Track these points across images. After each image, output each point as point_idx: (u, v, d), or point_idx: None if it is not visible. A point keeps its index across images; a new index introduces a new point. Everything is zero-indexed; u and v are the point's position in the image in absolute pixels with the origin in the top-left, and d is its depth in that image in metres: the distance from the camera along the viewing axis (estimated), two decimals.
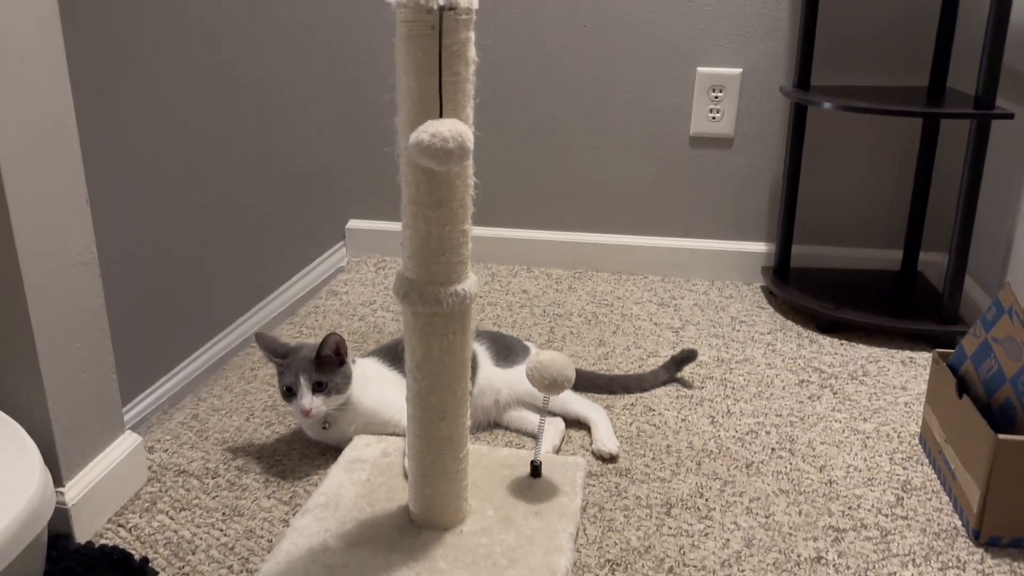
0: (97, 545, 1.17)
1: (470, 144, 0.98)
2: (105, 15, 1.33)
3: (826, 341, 1.91)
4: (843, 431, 1.54)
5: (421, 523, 1.19)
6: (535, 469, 1.32)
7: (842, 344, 1.89)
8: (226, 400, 1.62)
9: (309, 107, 2.27)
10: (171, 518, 1.27)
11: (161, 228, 1.54)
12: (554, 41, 2.18)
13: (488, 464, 1.34)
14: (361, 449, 1.38)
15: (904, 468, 1.42)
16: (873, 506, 1.32)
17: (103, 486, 1.23)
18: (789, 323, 2.00)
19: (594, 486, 1.37)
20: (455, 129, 0.96)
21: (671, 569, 1.18)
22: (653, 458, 1.45)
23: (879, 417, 1.58)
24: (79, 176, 1.16)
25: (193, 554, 1.19)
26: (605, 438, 1.46)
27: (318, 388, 1.34)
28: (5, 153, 1.03)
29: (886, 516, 1.30)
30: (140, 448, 1.33)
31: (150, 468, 1.38)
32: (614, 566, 1.19)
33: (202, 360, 1.76)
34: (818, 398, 1.66)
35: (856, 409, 1.61)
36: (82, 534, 1.19)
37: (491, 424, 1.53)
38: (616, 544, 1.23)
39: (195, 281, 1.67)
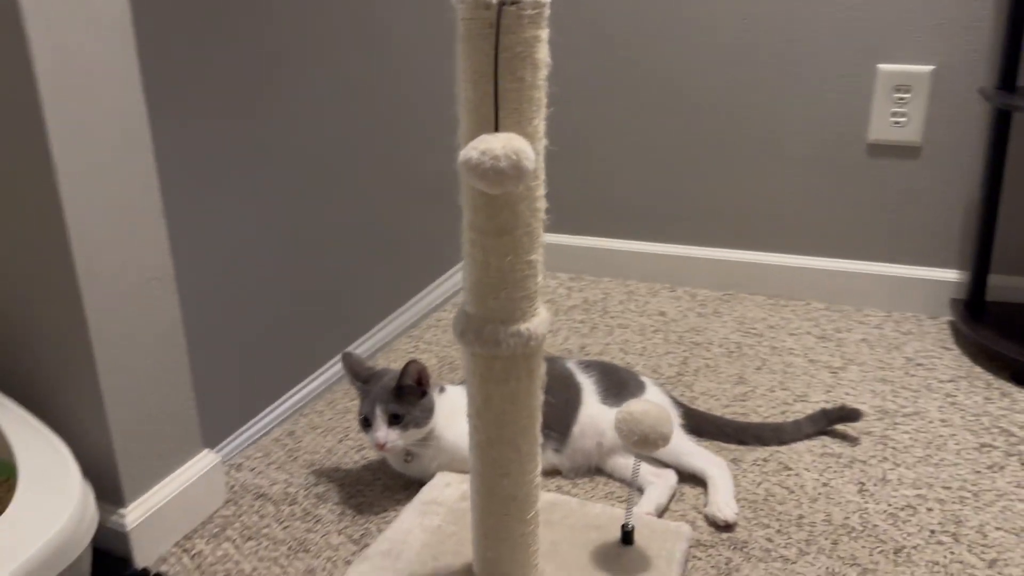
0: (153, 573, 1.12)
1: (529, 163, 0.82)
2: (229, 19, 1.29)
3: (1022, 396, 1.57)
4: None
5: None
6: (626, 535, 1.14)
7: None
8: (326, 417, 1.56)
9: (440, 113, 2.19)
10: (237, 547, 1.21)
11: (282, 243, 1.50)
12: (710, 37, 1.96)
13: (575, 523, 1.18)
14: (440, 489, 1.26)
15: None
16: None
17: (171, 507, 1.19)
18: (978, 370, 1.68)
19: (700, 559, 1.17)
20: (511, 145, 0.81)
21: None
22: (779, 530, 1.22)
23: None
24: (152, 193, 1.12)
25: None
26: (722, 502, 1.25)
27: (394, 421, 1.23)
28: (65, 171, 1.00)
29: None
30: (219, 468, 1.28)
31: (231, 488, 1.33)
32: None
33: (325, 377, 1.70)
34: (1002, 468, 1.35)
35: None
36: (144, 558, 1.15)
37: (592, 470, 1.37)
38: None
39: (317, 299, 1.63)
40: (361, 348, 1.77)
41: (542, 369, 0.98)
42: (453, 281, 2.13)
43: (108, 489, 1.12)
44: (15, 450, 1.02)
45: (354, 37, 1.63)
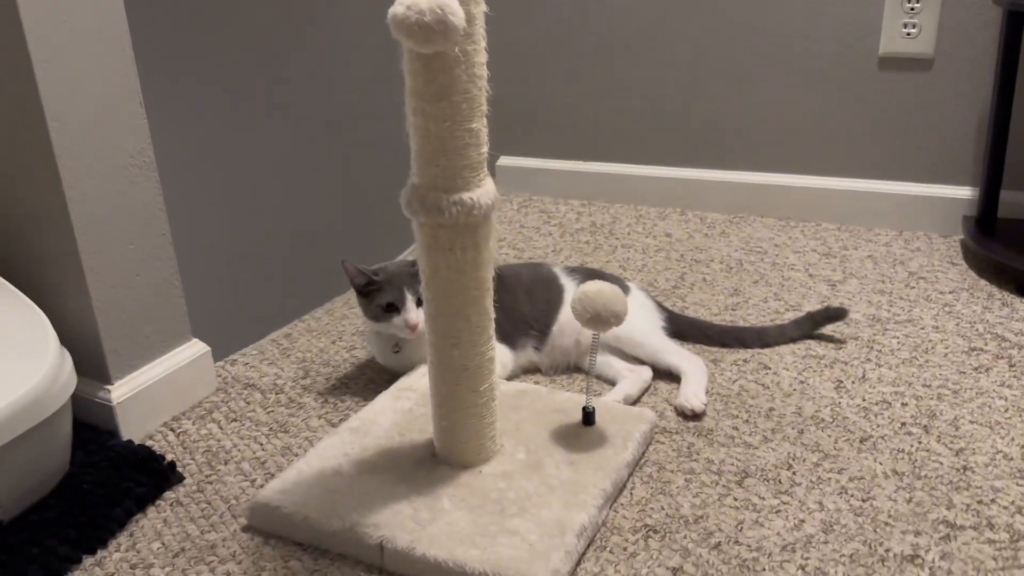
0: (137, 444, 1.19)
1: (455, 19, 0.84)
2: None
3: (1023, 305, 1.53)
4: (1006, 410, 1.22)
5: (443, 458, 1.09)
6: (587, 416, 1.16)
7: None
8: (323, 323, 1.61)
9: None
10: (220, 428, 1.27)
11: (305, 171, 1.55)
12: None
13: (541, 407, 1.21)
14: (417, 378, 1.30)
15: None
16: (1013, 503, 1.02)
17: (159, 389, 1.26)
18: (982, 283, 1.64)
19: (663, 443, 1.18)
20: (436, 1, 0.83)
21: (718, 545, 0.99)
22: (747, 420, 1.23)
23: None
24: (131, 78, 1.16)
25: (225, 464, 1.18)
26: (691, 392, 1.26)
27: (420, 303, 1.26)
28: (40, 53, 1.05)
29: None
30: (207, 357, 1.34)
31: (222, 379, 1.39)
32: (651, 532, 1.01)
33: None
34: (988, 370, 1.33)
35: None
36: (131, 433, 1.22)
37: (571, 368, 1.39)
38: (663, 509, 1.05)
39: (338, 227, 1.67)
40: None
41: (491, 242, 1.00)
42: None
43: (94, 366, 1.19)
44: None
45: None
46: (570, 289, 1.41)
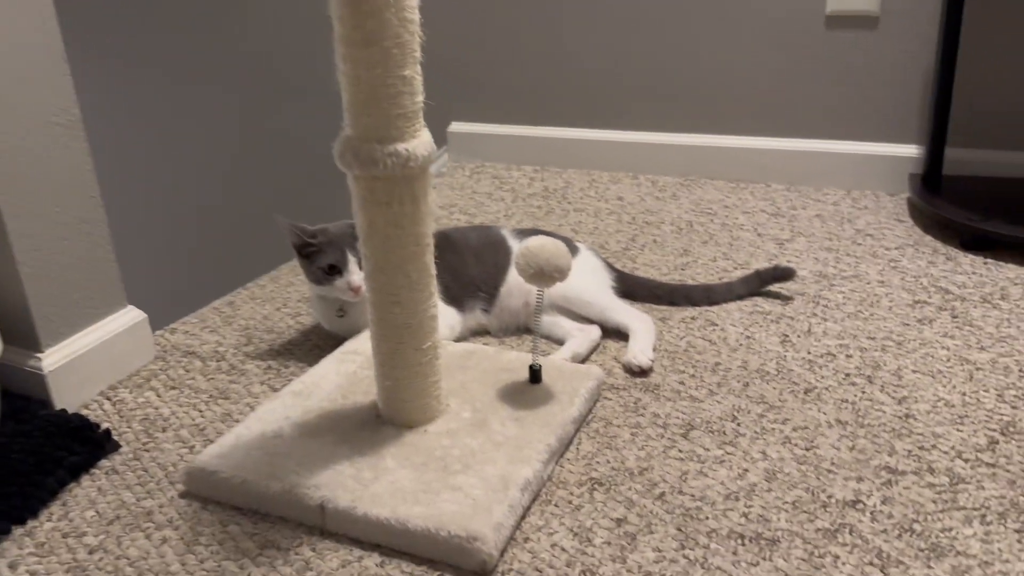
0: (71, 413, 1.15)
1: None
2: None
3: (966, 259, 1.55)
4: (948, 360, 1.23)
5: (387, 419, 1.07)
6: (534, 374, 1.15)
7: (986, 263, 1.53)
8: (268, 290, 1.58)
9: None
10: (159, 396, 1.23)
11: (271, 136, 1.50)
12: None
13: (488, 366, 1.19)
14: (361, 342, 1.28)
15: (1014, 408, 1.11)
16: (953, 448, 1.04)
17: (94, 357, 1.22)
18: (928, 238, 1.66)
19: (610, 399, 1.18)
20: None
21: (662, 495, 0.98)
22: (693, 375, 1.23)
23: (1003, 347, 1.25)
24: (52, 29, 1.11)
25: (163, 432, 1.15)
26: (638, 349, 1.26)
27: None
28: None
29: (966, 461, 1.01)
30: (144, 324, 1.30)
31: (161, 347, 1.36)
32: (596, 485, 1.01)
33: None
34: (930, 321, 1.34)
35: (976, 336, 1.29)
36: (65, 402, 1.18)
37: (520, 329, 1.37)
38: (609, 462, 1.05)
39: (297, 187, 1.63)
40: None
41: (430, 196, 0.98)
42: None
43: (23, 334, 1.15)
44: None
45: None
46: (516, 247, 1.39)
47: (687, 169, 2.07)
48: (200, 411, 1.20)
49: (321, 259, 1.24)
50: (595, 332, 1.32)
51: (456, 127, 2.27)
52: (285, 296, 1.54)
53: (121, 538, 0.96)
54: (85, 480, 1.06)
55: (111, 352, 1.24)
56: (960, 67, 1.73)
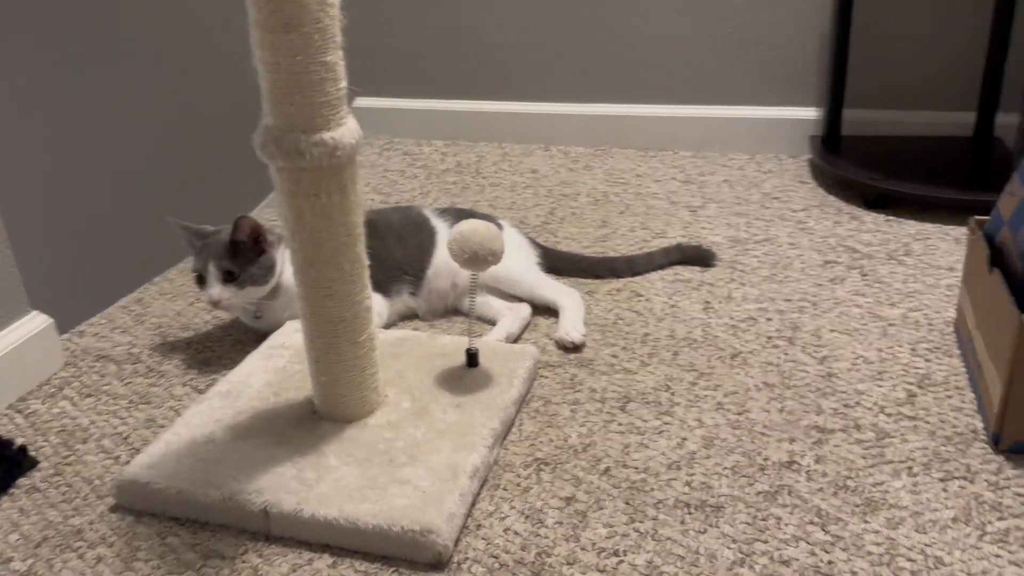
0: None
1: None
2: None
3: (870, 218, 1.62)
4: (862, 317, 1.29)
5: (324, 415, 1.05)
6: (471, 358, 1.14)
7: (887, 220, 1.60)
8: (177, 284, 1.51)
9: None
10: (74, 404, 1.17)
11: (154, 119, 1.42)
12: None
13: (422, 353, 1.18)
14: (288, 335, 1.24)
15: (927, 360, 1.17)
16: (876, 404, 1.09)
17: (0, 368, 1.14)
18: (831, 199, 1.72)
19: (547, 378, 1.18)
20: None
21: (607, 470, 1.00)
22: (624, 347, 1.25)
23: (911, 302, 1.32)
24: None
25: (84, 443, 1.09)
26: (570, 325, 1.26)
27: (229, 278, 1.19)
28: None
29: (889, 416, 1.06)
30: (51, 330, 1.23)
31: (70, 352, 1.29)
32: (542, 465, 1.01)
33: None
34: (842, 280, 1.40)
35: (885, 293, 1.35)
36: None
37: (449, 311, 1.36)
38: (552, 441, 1.05)
39: (199, 167, 1.56)
40: None
41: (357, 184, 0.95)
42: None
43: None
44: None
45: None
46: (442, 231, 1.37)
47: (598, 139, 2.08)
48: (121, 418, 1.14)
49: (194, 265, 1.20)
50: (526, 310, 1.32)
51: (362, 102, 2.21)
52: (197, 290, 1.48)
53: (52, 560, 0.91)
54: (4, 501, 1.00)
55: (18, 361, 1.17)
56: (855, 31, 1.79)
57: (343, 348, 1.00)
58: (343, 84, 0.90)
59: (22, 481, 1.03)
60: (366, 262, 0.99)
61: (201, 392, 1.19)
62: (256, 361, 1.18)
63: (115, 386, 1.21)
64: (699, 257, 1.48)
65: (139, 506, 0.97)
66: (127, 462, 1.05)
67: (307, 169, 0.90)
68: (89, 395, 1.19)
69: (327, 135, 0.89)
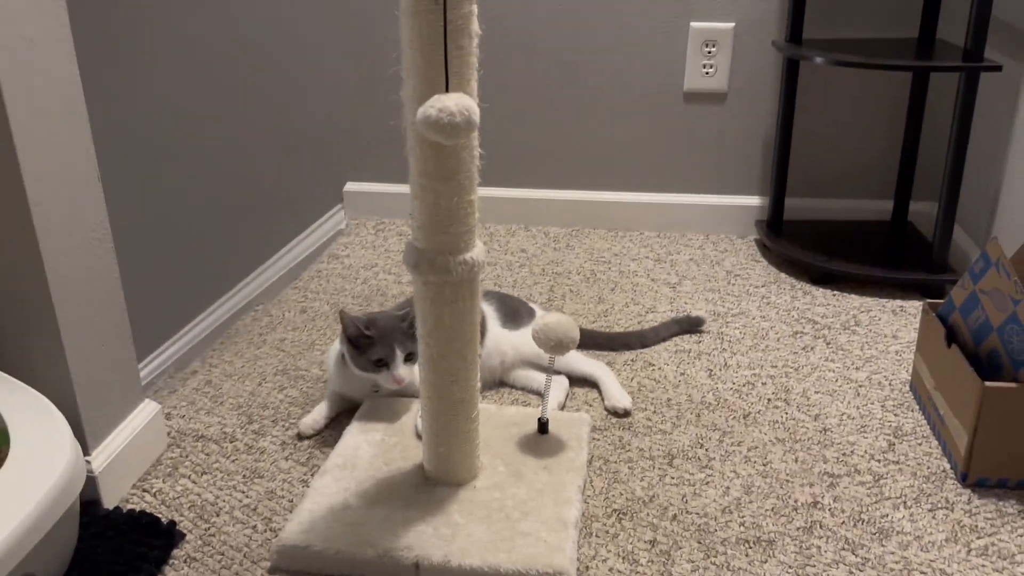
0: (125, 510, 1.22)
1: (476, 118, 1.01)
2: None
3: (819, 292, 1.95)
4: (836, 380, 1.59)
5: (436, 480, 1.25)
6: (542, 426, 1.37)
7: (835, 295, 1.94)
8: (237, 365, 1.66)
9: (305, 68, 2.27)
10: (193, 482, 1.32)
11: (159, 195, 1.57)
12: (553, 4, 2.18)
13: (497, 423, 1.39)
14: (376, 409, 1.43)
15: (895, 415, 1.48)
16: (866, 452, 1.38)
17: (127, 453, 1.28)
18: (783, 275, 2.05)
19: (599, 440, 1.42)
20: (462, 103, 0.99)
21: (675, 517, 1.24)
22: (654, 411, 1.50)
23: (871, 366, 1.64)
24: (91, 154, 1.18)
25: (217, 516, 1.24)
26: (617, 395, 1.51)
27: (409, 359, 1.37)
28: (21, 135, 1.05)
29: (878, 461, 1.36)
30: (159, 415, 1.37)
31: (169, 434, 1.42)
32: (621, 515, 1.25)
33: (206, 324, 1.78)
34: (812, 348, 1.71)
35: (849, 359, 1.67)
36: (109, 500, 1.24)
37: (496, 383, 1.58)
38: (622, 495, 1.29)
39: (195, 246, 1.72)
40: (240, 296, 1.87)
41: (479, 290, 1.17)
42: (321, 231, 2.25)
43: (76, 437, 1.19)
44: (5, 414, 1.08)
45: None
46: (489, 313, 1.59)
47: (572, 220, 2.35)
48: (243, 492, 1.30)
49: (373, 352, 1.36)
50: (566, 382, 1.56)
51: (351, 187, 2.41)
52: (261, 371, 1.64)
53: None
54: (168, 572, 1.14)
55: (138, 445, 1.31)
56: (794, 132, 2.15)
57: (460, 424, 1.21)
58: (477, 215, 1.13)
59: (176, 552, 1.17)
60: (480, 351, 1.21)
61: (303, 464, 1.36)
62: (355, 436, 1.36)
63: (224, 463, 1.36)
64: (691, 325, 1.76)
65: (297, 567, 1.14)
66: (264, 531, 1.21)
67: (450, 283, 1.12)
68: (204, 472, 1.34)
69: (468, 255, 1.11)
